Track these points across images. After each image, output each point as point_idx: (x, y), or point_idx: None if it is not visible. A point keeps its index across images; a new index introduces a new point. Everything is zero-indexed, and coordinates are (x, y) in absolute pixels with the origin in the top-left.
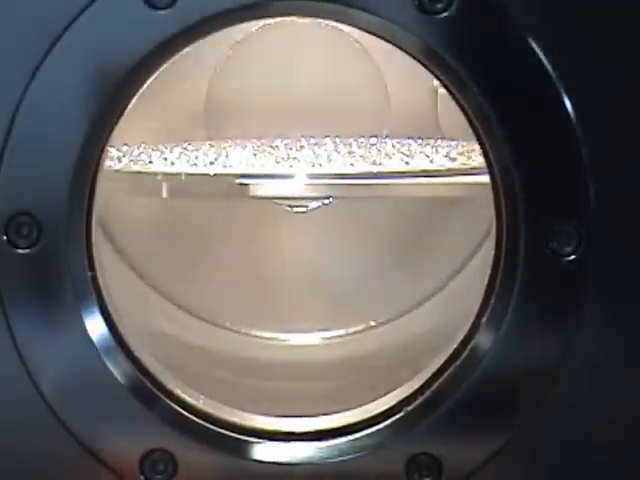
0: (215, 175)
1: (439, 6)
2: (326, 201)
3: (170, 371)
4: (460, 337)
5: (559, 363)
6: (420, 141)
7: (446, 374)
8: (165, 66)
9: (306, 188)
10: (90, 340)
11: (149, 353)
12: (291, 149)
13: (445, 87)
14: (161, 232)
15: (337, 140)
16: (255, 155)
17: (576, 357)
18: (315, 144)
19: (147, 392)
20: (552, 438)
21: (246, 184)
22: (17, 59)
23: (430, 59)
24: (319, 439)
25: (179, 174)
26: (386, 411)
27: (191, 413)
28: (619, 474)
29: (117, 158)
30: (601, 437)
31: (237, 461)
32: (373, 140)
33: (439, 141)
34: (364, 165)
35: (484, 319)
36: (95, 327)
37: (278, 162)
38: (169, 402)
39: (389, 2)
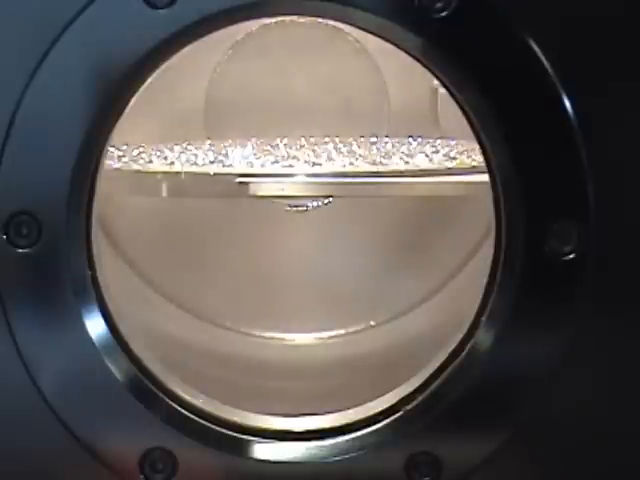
0: (215, 174)
1: (438, 5)
2: (326, 201)
3: (170, 370)
4: (460, 336)
5: (558, 362)
6: (420, 140)
7: (446, 373)
8: (165, 65)
9: (306, 187)
10: (90, 340)
11: (149, 353)
12: (291, 148)
13: (445, 87)
14: (161, 231)
15: (337, 140)
16: (255, 154)
17: (576, 356)
18: (315, 144)
19: (147, 391)
20: (551, 437)
21: (246, 183)
22: (17, 59)
23: (430, 58)
24: (319, 438)
25: (179, 173)
26: (386, 410)
27: (191, 412)
28: (619, 474)
29: (117, 157)
30: (601, 436)
31: (237, 460)
32: (373, 139)
33: (439, 140)
34: (364, 165)
35: (484, 318)
36: (95, 327)
37: (278, 161)
38: (169, 401)
39: (388, 1)
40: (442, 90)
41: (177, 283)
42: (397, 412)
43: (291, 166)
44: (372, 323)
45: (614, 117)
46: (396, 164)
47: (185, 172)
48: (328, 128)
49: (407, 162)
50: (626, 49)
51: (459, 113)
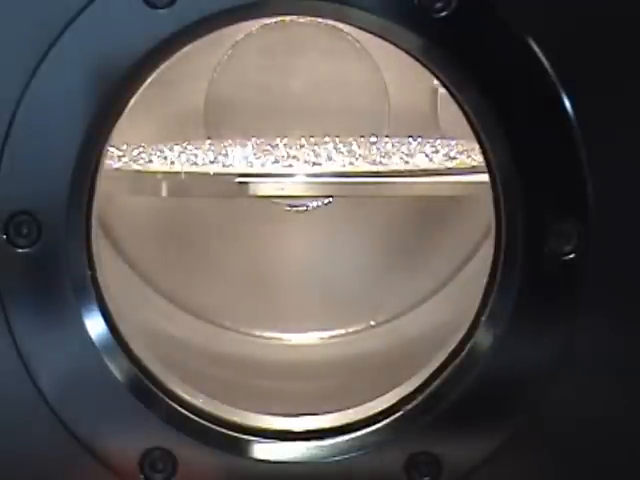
0: (215, 174)
1: (438, 5)
2: (326, 201)
3: (170, 370)
4: (460, 336)
5: (558, 362)
6: (420, 140)
7: (445, 373)
8: (165, 65)
9: (306, 187)
10: (90, 339)
11: (149, 352)
12: (291, 148)
13: (445, 87)
14: (161, 231)
15: (337, 140)
16: (255, 154)
17: (575, 356)
18: (315, 143)
19: (147, 391)
20: (551, 437)
21: (246, 183)
22: (17, 59)
23: (429, 58)
24: (319, 438)
25: (179, 173)
26: (386, 410)
27: (191, 412)
28: (619, 473)
29: (117, 157)
30: (601, 436)
31: (237, 460)
32: (373, 139)
33: (439, 140)
34: (364, 164)
35: (483, 318)
36: (95, 326)
37: (278, 161)
38: (169, 401)
39: (388, 1)
40: (442, 90)
41: (177, 283)
42: (397, 412)
43: (291, 166)
44: (372, 323)
45: (614, 117)
46: (396, 164)
47: (185, 172)
48: (328, 128)
49: (407, 162)
50: (626, 49)
51: (459, 113)
